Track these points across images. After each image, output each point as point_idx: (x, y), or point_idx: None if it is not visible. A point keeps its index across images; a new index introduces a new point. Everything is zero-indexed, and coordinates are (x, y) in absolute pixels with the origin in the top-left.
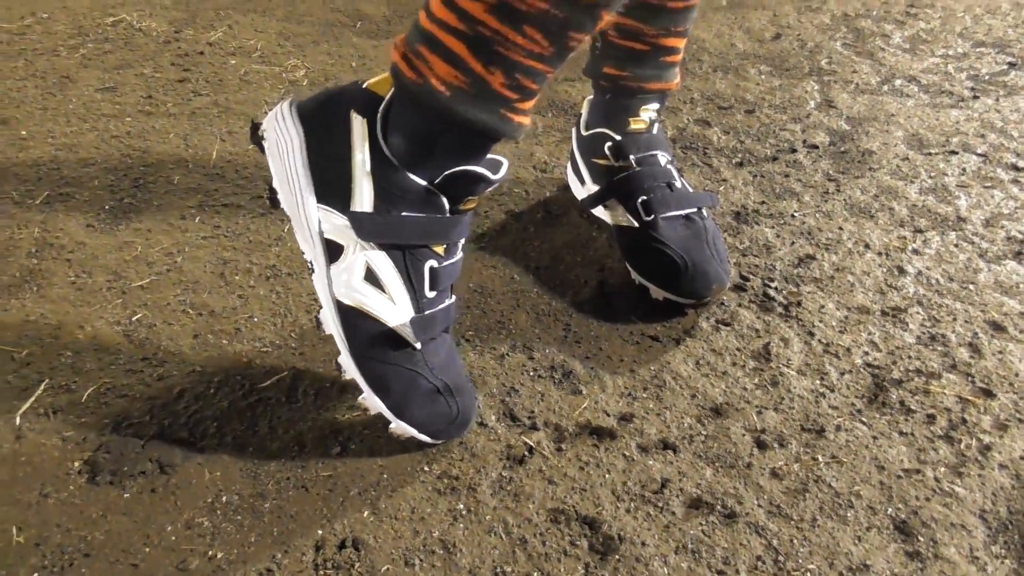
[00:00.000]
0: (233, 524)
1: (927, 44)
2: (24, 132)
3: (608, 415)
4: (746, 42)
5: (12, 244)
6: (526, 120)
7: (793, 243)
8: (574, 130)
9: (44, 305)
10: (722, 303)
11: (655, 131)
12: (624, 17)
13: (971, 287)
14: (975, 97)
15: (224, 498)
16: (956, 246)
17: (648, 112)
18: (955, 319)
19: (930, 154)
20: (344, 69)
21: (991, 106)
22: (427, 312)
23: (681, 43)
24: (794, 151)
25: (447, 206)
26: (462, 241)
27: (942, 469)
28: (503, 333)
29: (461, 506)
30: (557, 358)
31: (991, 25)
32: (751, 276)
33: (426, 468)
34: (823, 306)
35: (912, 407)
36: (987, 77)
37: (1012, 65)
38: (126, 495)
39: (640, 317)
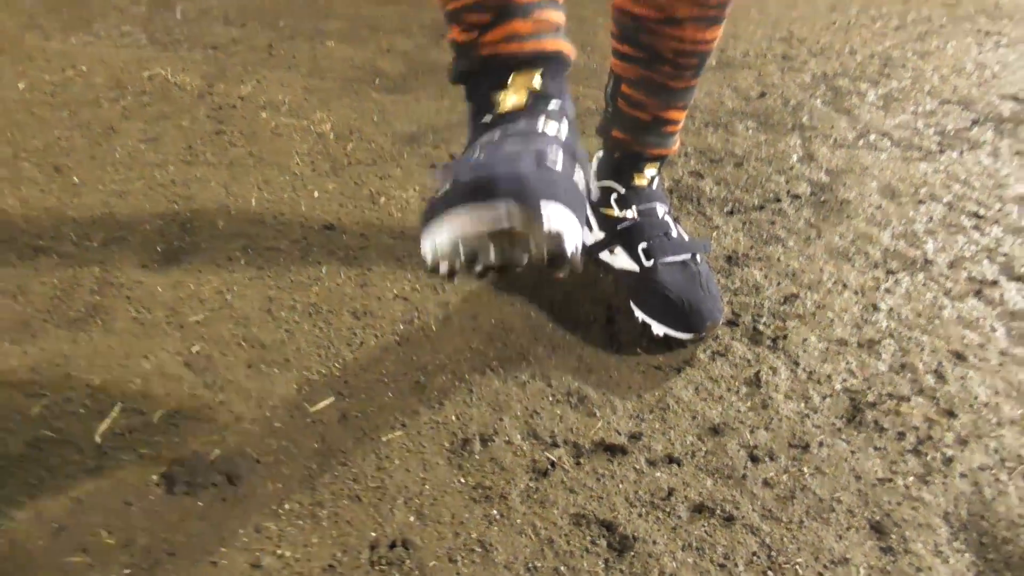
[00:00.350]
0: (296, 528)
1: (899, 102)
2: (76, 179)
3: (619, 434)
4: (734, 100)
5: (75, 282)
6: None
7: (779, 283)
8: None
9: (110, 338)
10: (717, 337)
11: (655, 186)
12: (632, 89)
13: (937, 322)
14: (941, 151)
15: (287, 505)
16: (924, 285)
17: (650, 170)
18: (923, 350)
19: (901, 203)
20: (367, 122)
21: (956, 159)
22: None
23: (681, 115)
24: (779, 200)
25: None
26: None
27: (911, 478)
28: (524, 363)
29: (495, 512)
30: (572, 384)
31: (957, 85)
32: (742, 313)
33: (462, 480)
34: (806, 339)
35: (885, 426)
36: (952, 132)
37: (975, 122)
38: (200, 503)
39: (644, 349)
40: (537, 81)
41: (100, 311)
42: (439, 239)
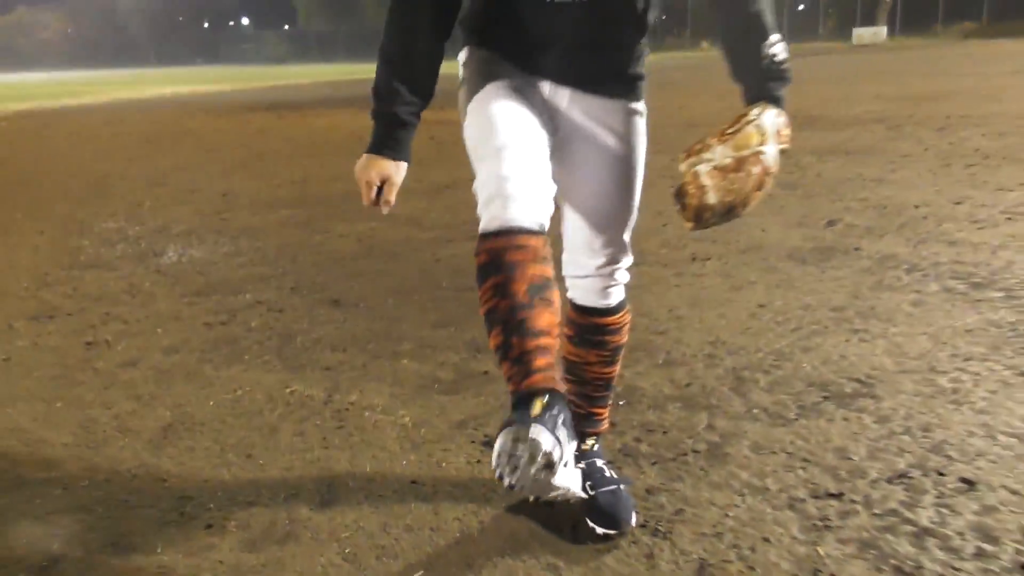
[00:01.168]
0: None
1: (779, 385)
2: (262, 461)
3: None
4: (670, 388)
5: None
6: None
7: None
8: None
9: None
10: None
11: (595, 449)
12: (572, 396)
13: None
14: (797, 419)
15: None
16: None
17: (590, 440)
18: None
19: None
20: (432, 414)
21: (809, 427)
22: None
23: (604, 411)
24: (685, 455)
25: None
26: None
27: None
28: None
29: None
30: (552, 561)
31: (823, 371)
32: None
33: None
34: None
35: None
36: (809, 406)
37: (825, 398)
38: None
39: (592, 540)
40: (546, 399)
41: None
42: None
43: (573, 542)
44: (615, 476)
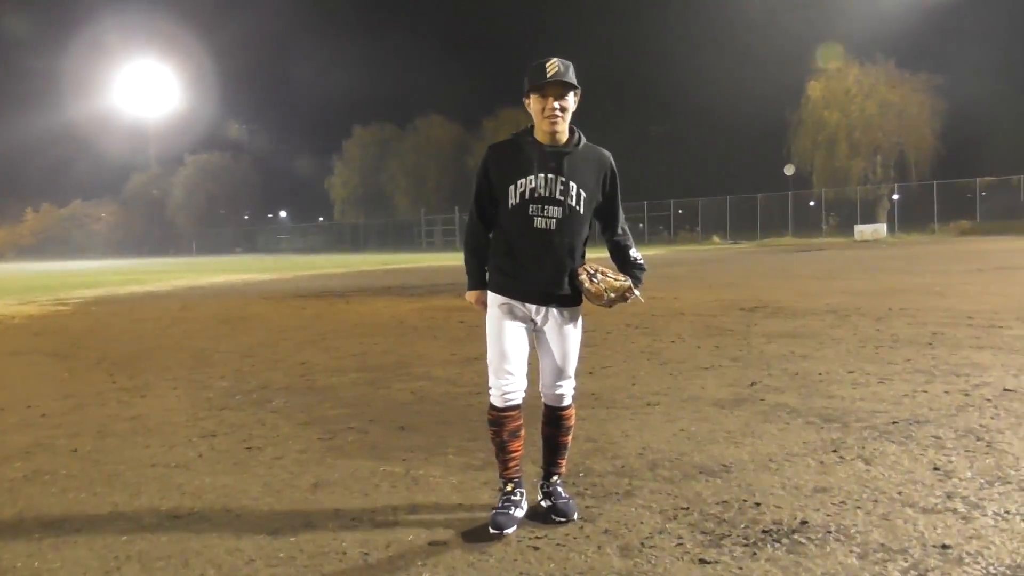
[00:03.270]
0: None
1: (767, 533)
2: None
3: None
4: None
5: None
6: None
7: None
8: None
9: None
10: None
11: (557, 481)
12: (543, 451)
13: None
14: (753, 555)
15: None
16: None
17: (554, 477)
18: None
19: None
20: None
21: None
22: None
23: (562, 462)
24: (662, 532)
25: None
26: None
27: None
28: None
29: None
30: None
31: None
32: None
33: None
34: None
35: None
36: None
37: (765, 532)
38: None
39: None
40: (513, 483)
41: None
42: None
43: (547, 530)
44: (566, 496)
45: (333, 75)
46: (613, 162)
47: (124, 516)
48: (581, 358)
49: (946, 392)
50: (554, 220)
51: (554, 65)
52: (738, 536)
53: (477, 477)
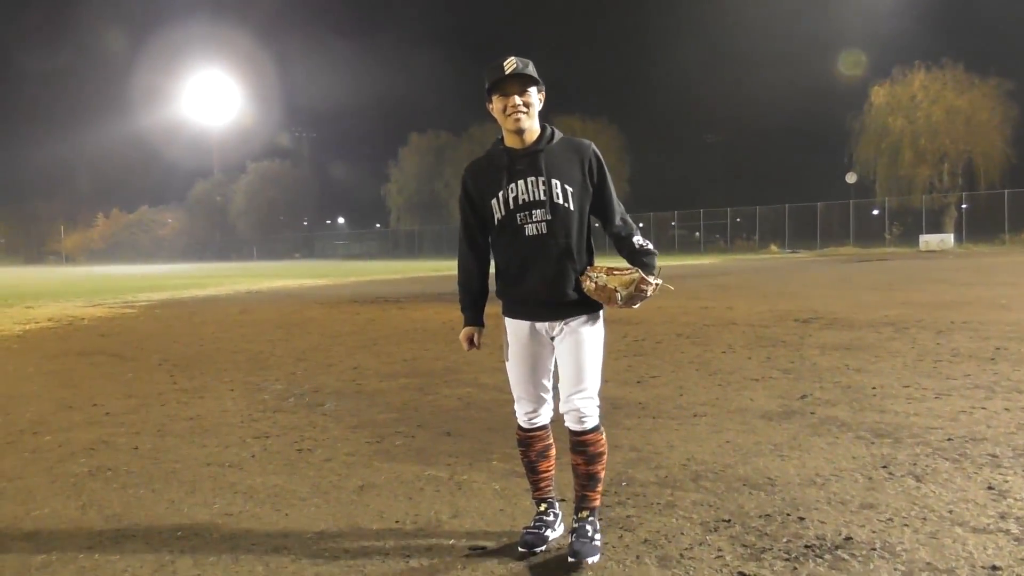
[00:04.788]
0: None
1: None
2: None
3: None
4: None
5: None
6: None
7: None
8: None
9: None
10: None
11: (587, 517)
12: (574, 480)
13: None
14: None
15: None
16: None
17: (584, 512)
18: None
19: None
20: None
21: None
22: None
23: (596, 495)
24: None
25: None
26: None
27: None
28: None
29: None
30: None
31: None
32: None
33: None
34: None
35: None
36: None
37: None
38: None
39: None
40: (545, 503)
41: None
42: None
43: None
44: (590, 536)
45: (391, 83)
46: (596, 149)
47: (179, 513)
48: (628, 368)
49: (1006, 409)
50: (544, 224)
51: (512, 62)
52: (779, 550)
53: (520, 483)
